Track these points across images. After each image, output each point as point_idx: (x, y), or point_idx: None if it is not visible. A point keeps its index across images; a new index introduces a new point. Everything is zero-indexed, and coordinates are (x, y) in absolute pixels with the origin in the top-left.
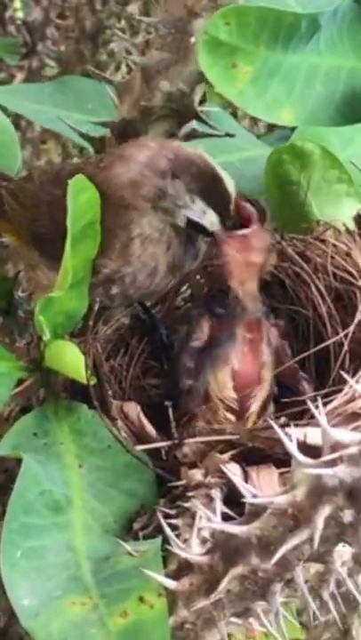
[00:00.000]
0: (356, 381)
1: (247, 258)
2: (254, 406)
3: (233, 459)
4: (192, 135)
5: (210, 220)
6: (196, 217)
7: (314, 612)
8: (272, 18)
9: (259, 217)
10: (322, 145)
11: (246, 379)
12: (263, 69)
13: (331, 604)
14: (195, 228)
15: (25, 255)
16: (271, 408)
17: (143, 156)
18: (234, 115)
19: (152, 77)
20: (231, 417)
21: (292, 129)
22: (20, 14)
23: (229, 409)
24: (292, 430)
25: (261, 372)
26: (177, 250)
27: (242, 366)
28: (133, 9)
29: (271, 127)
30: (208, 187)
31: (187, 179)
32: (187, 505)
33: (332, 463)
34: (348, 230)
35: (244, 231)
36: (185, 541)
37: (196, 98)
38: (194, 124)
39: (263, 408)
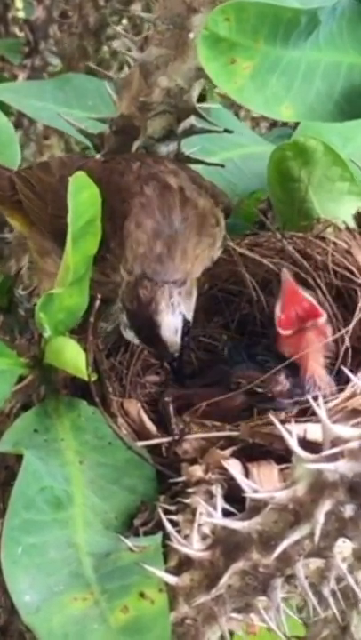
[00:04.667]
0: (359, 379)
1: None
2: None
3: (233, 455)
4: (191, 131)
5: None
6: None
7: (314, 609)
8: (271, 13)
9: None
10: (325, 142)
11: None
12: (262, 65)
13: (331, 601)
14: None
15: (35, 242)
16: None
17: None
18: (236, 115)
19: (150, 73)
20: None
21: (293, 127)
22: (21, 14)
23: None
24: (292, 426)
25: None
26: None
27: None
28: (137, 7)
29: (272, 128)
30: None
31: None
32: (187, 501)
33: (333, 458)
34: (348, 228)
35: (320, 320)
36: (186, 537)
37: (195, 94)
38: (192, 120)
39: None
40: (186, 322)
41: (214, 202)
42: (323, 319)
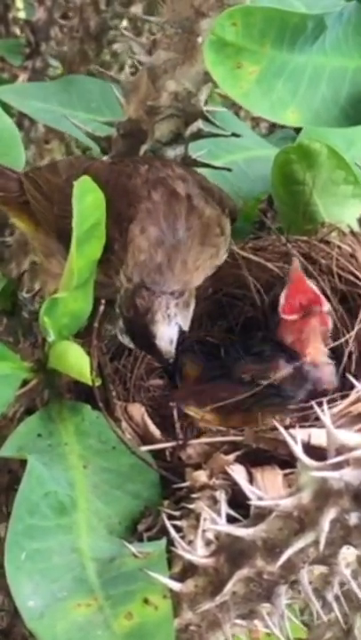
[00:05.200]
0: None
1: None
2: None
3: (237, 460)
4: (198, 135)
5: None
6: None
7: (317, 612)
8: (278, 18)
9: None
10: (329, 145)
11: None
12: (269, 70)
13: (334, 605)
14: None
15: (41, 242)
16: None
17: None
18: (236, 115)
19: (158, 77)
20: None
21: (295, 130)
22: (22, 14)
23: None
24: (296, 432)
25: None
26: None
27: None
28: (137, 9)
29: (272, 128)
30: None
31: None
32: (191, 506)
33: (338, 466)
34: (352, 232)
35: (323, 308)
36: (190, 543)
37: (203, 98)
38: (200, 123)
39: None
40: (182, 332)
41: (221, 207)
42: (326, 307)
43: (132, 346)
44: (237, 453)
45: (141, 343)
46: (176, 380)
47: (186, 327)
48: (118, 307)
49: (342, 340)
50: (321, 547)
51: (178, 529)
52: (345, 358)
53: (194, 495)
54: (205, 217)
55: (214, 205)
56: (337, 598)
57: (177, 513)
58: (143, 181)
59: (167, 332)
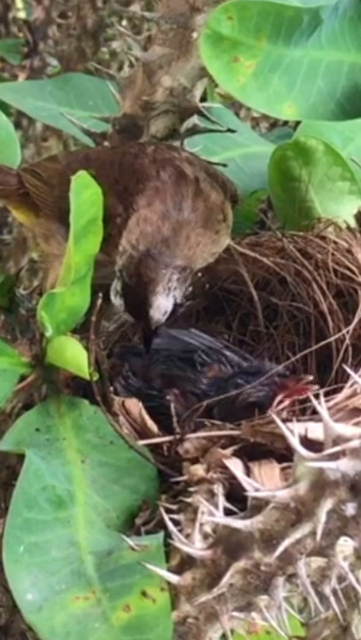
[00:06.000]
0: (359, 377)
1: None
2: None
3: (235, 454)
4: (193, 130)
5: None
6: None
7: (315, 607)
8: (274, 12)
9: None
10: (326, 141)
11: None
12: (265, 63)
13: (332, 600)
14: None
15: (41, 227)
16: None
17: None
18: (236, 115)
19: (154, 73)
20: None
21: (294, 128)
22: (22, 14)
23: None
24: (293, 425)
25: None
26: None
27: None
28: (135, 8)
29: (272, 128)
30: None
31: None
32: (189, 500)
33: (335, 457)
34: (348, 227)
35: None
36: (187, 536)
37: (198, 93)
38: (195, 119)
39: None
40: (175, 305)
41: (224, 190)
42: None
43: (121, 308)
44: (235, 447)
45: (134, 309)
46: (150, 345)
47: (180, 299)
48: (119, 270)
49: (339, 334)
50: (318, 537)
51: (175, 522)
52: (342, 352)
53: (191, 489)
54: (210, 201)
55: (219, 191)
56: (335, 593)
57: (174, 506)
58: (151, 161)
59: (164, 304)
